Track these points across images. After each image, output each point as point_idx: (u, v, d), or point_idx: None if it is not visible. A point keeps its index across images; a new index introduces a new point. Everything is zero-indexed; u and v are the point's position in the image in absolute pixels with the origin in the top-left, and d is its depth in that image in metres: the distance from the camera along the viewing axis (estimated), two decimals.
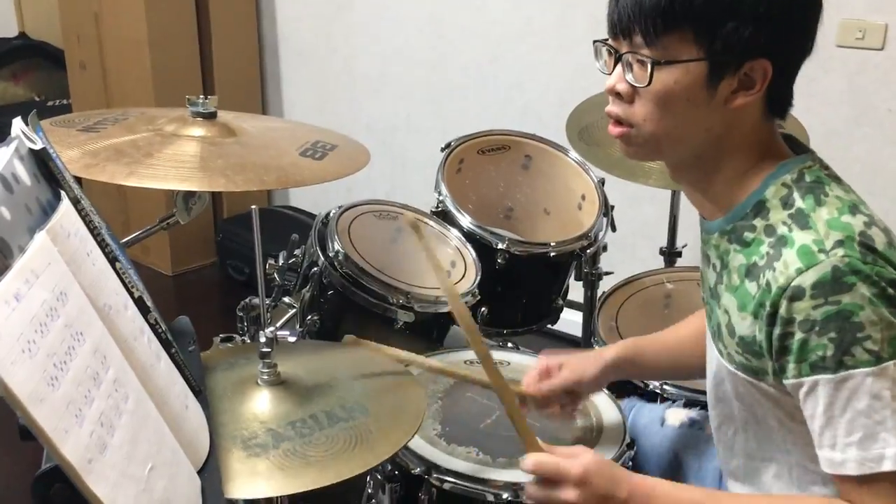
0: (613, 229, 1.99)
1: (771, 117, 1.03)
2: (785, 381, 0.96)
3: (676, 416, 1.47)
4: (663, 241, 2.23)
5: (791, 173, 1.01)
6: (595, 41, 1.07)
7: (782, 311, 0.93)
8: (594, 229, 1.90)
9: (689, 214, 2.27)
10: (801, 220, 0.96)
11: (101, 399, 0.73)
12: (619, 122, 1.05)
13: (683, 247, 2.20)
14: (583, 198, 1.99)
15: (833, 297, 0.90)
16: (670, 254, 2.19)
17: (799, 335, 0.92)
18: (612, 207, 1.98)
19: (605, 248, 1.99)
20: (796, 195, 0.99)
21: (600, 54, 1.06)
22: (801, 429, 1.00)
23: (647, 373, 1.51)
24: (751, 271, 0.99)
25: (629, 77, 1.01)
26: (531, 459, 1.05)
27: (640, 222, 2.60)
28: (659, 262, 2.23)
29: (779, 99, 1.02)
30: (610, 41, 1.04)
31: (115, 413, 0.75)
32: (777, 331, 0.94)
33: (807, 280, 0.91)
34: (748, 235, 1.02)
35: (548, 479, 1.05)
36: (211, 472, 0.89)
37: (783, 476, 1.09)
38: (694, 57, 0.96)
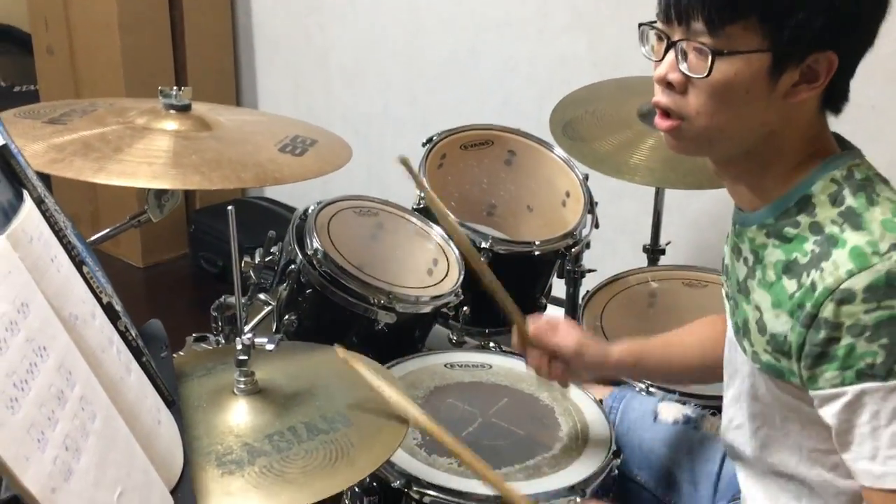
0: (597, 226, 1.95)
1: (824, 112, 0.99)
2: (815, 392, 0.91)
3: (670, 411, 1.42)
4: (644, 238, 2.19)
5: (840, 169, 0.96)
6: (641, 24, 1.00)
7: (827, 314, 0.88)
8: (578, 227, 1.87)
9: (673, 212, 2.27)
10: (854, 220, 0.91)
11: (67, 420, 0.68)
12: (667, 114, 0.99)
13: (667, 244, 2.17)
14: (567, 195, 1.95)
15: (887, 301, 0.85)
16: (654, 251, 2.16)
17: (846, 340, 0.87)
18: (596, 204, 1.95)
19: (587, 246, 1.95)
20: (847, 192, 0.94)
21: (647, 39, 1.00)
22: (818, 438, 0.97)
23: (642, 377, 1.49)
24: (790, 268, 0.95)
25: (683, 67, 0.94)
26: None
27: (621, 218, 2.56)
28: (639, 258, 2.20)
29: (837, 93, 0.97)
30: (661, 25, 0.97)
31: (82, 434, 0.69)
32: (819, 335, 0.89)
33: (858, 283, 0.86)
34: (790, 231, 0.97)
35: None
36: (185, 493, 0.83)
37: (790, 488, 1.06)
38: (757, 48, 0.90)
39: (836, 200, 0.94)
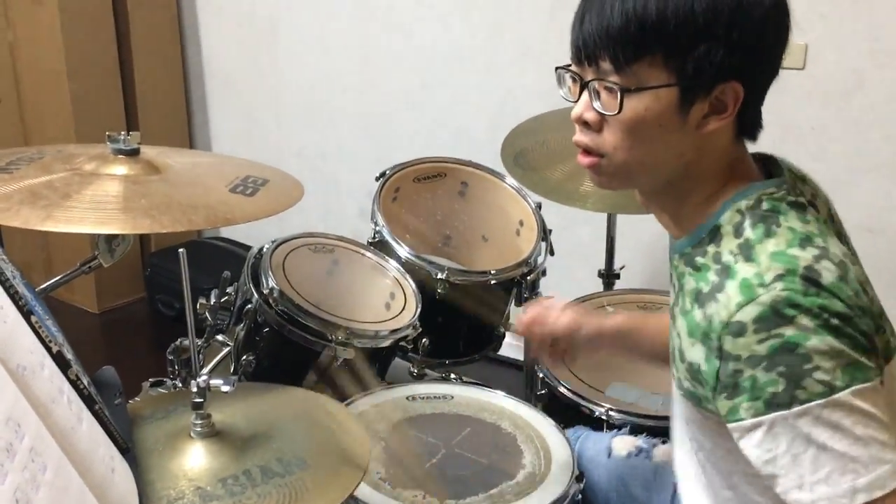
0: (552, 253, 1.98)
1: (741, 140, 1.02)
2: (732, 424, 0.92)
3: (623, 444, 1.44)
4: (599, 262, 2.22)
5: (748, 199, 0.98)
6: (557, 68, 1.03)
7: (728, 346, 0.90)
8: (533, 255, 1.89)
9: (626, 236, 2.30)
10: (746, 252, 0.94)
11: (16, 472, 0.67)
12: (588, 151, 1.01)
13: (621, 268, 2.20)
14: (521, 223, 1.98)
15: (776, 329, 0.87)
16: (608, 276, 2.19)
17: (748, 372, 0.89)
18: (550, 231, 1.97)
19: (543, 273, 1.98)
20: (747, 224, 0.96)
21: (563, 81, 1.03)
22: (746, 461, 0.98)
23: (638, 350, 1.45)
24: (699, 297, 0.97)
25: (597, 105, 0.97)
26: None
27: (576, 244, 2.59)
28: (595, 283, 2.22)
29: (749, 121, 1.00)
30: (574, 67, 1.00)
31: (32, 487, 0.68)
32: (727, 367, 0.91)
33: (746, 315, 0.89)
34: (699, 260, 1.00)
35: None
36: None
37: None
38: (664, 82, 0.93)
39: (737, 231, 0.97)
